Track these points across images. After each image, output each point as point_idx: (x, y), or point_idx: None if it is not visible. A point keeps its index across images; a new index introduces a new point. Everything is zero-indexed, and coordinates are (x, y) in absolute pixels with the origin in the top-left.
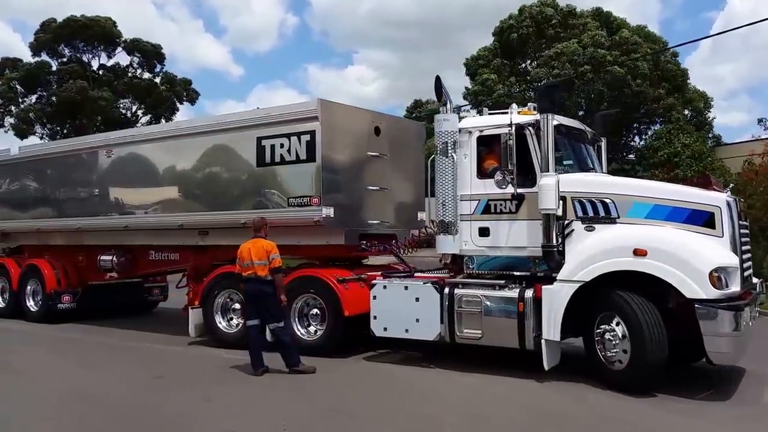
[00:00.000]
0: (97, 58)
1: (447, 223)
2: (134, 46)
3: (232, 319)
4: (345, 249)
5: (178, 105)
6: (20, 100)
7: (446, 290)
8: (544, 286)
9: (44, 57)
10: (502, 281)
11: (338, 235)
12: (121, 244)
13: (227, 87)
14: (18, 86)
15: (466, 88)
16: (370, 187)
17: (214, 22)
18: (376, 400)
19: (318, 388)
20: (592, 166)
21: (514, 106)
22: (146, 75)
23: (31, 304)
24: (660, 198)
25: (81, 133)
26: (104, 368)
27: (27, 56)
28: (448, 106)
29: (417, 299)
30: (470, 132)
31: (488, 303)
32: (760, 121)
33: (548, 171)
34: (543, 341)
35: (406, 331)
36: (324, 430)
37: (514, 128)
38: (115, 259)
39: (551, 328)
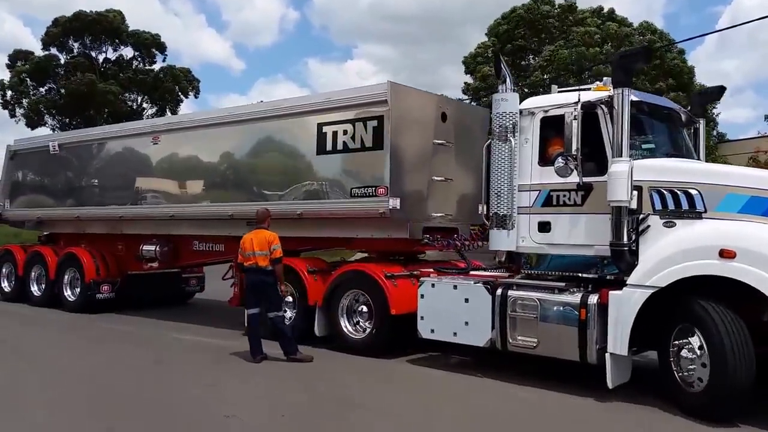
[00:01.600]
0: (104, 52)
1: (501, 217)
2: (134, 39)
3: (286, 312)
4: (405, 243)
5: (182, 97)
6: (31, 92)
7: (499, 291)
8: (611, 291)
9: (53, 51)
10: (563, 284)
11: (401, 228)
12: (164, 233)
13: (229, 81)
14: (28, 79)
15: (465, 83)
16: (435, 178)
17: (217, 17)
18: (385, 395)
19: (326, 381)
20: (683, 153)
21: (598, 83)
22: (149, 67)
23: (68, 293)
24: (759, 188)
25: (90, 124)
26: (117, 355)
27: (37, 50)
28: (508, 83)
29: (466, 300)
30: (533, 113)
31: (545, 308)
32: (767, 117)
33: (621, 156)
34: (607, 355)
35: (455, 334)
36: (322, 417)
37: (580, 106)
38: (158, 248)
39: (618, 340)
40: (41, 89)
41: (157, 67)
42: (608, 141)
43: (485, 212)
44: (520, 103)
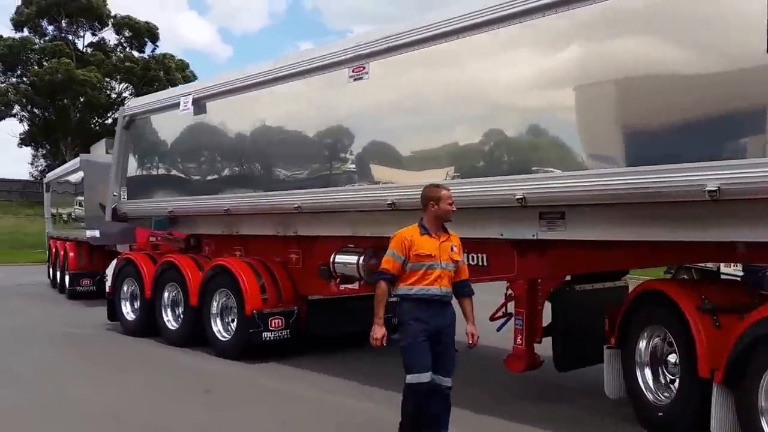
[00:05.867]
0: (82, 37)
1: None
2: (124, 24)
3: (661, 378)
4: None
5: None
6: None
7: None
8: None
9: (26, 33)
10: None
11: None
12: (371, 236)
13: (214, 69)
14: None
15: None
16: None
17: None
18: None
19: None
20: None
21: None
22: (136, 54)
23: (218, 329)
24: None
25: (62, 115)
26: None
27: (7, 32)
28: None
29: None
30: None
31: None
32: None
33: None
34: None
35: None
36: None
37: None
38: (362, 260)
39: None
40: (10, 77)
41: (145, 55)
42: None
43: None
44: None
